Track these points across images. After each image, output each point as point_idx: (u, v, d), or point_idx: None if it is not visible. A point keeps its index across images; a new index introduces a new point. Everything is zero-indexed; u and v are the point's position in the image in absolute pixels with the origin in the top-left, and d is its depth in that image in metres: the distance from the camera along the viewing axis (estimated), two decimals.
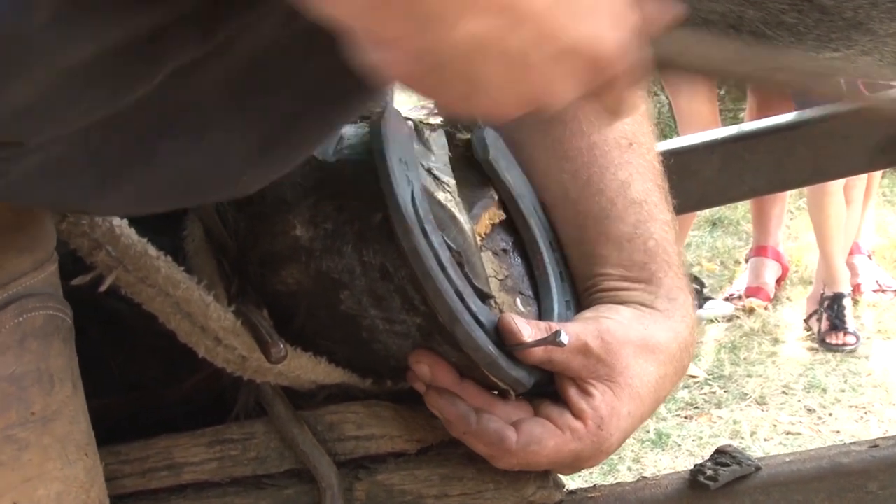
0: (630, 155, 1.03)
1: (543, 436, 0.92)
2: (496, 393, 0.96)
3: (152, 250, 0.88)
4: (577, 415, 0.93)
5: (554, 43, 0.56)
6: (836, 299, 4.57)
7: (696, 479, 0.96)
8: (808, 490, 0.97)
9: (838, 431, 3.67)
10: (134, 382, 0.97)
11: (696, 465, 0.98)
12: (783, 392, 3.94)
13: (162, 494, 0.96)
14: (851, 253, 4.95)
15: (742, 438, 3.57)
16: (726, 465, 0.96)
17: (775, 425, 3.70)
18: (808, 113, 1.93)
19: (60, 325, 0.79)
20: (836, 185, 4.49)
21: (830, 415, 3.79)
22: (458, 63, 0.55)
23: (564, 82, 0.58)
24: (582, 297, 1.01)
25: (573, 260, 1.02)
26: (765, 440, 3.58)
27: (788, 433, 3.66)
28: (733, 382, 3.98)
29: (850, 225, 4.86)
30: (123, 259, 0.88)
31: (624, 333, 0.94)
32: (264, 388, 0.96)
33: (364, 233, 0.90)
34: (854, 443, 1.04)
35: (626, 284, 0.99)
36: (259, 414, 0.97)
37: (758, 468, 0.97)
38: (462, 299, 0.89)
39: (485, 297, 0.93)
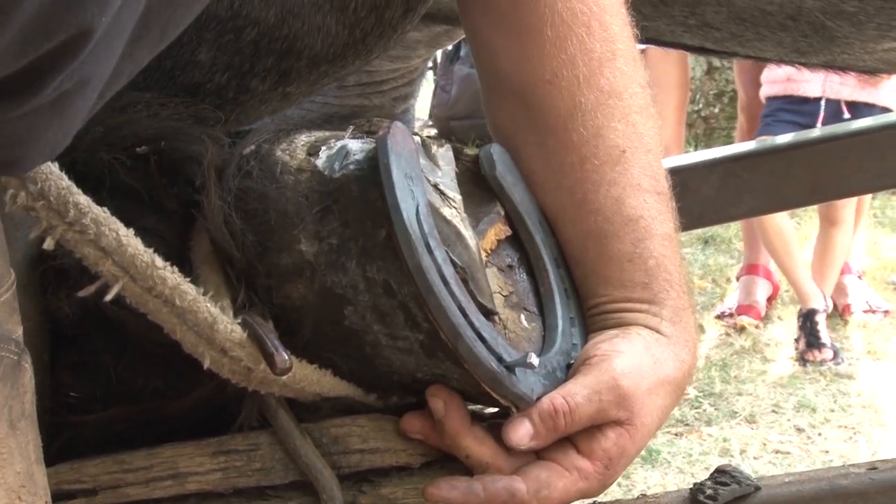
0: (622, 166, 1.01)
1: (551, 479, 0.93)
2: (498, 410, 0.96)
3: (159, 261, 0.88)
4: (586, 454, 0.94)
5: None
6: (809, 316, 4.60)
7: (696, 498, 0.96)
8: None
9: (827, 451, 3.68)
10: (136, 393, 0.97)
11: (695, 484, 0.99)
12: (773, 411, 3.95)
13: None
14: (842, 273, 4.97)
15: (732, 456, 3.58)
16: (726, 484, 0.96)
17: (765, 444, 3.70)
18: (808, 134, 1.95)
19: None
20: None
21: (820, 434, 3.80)
22: None
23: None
24: (586, 316, 1.02)
25: (577, 278, 1.03)
26: (754, 458, 3.59)
27: (778, 452, 3.67)
28: (723, 400, 3.99)
29: (841, 245, 4.89)
30: (129, 269, 0.88)
31: (638, 375, 0.94)
32: (268, 400, 0.96)
33: (368, 249, 0.90)
34: (852, 465, 1.05)
35: (629, 305, 1.00)
36: (263, 425, 0.96)
37: (757, 488, 0.97)
38: (465, 316, 0.89)
39: (489, 313, 0.93)
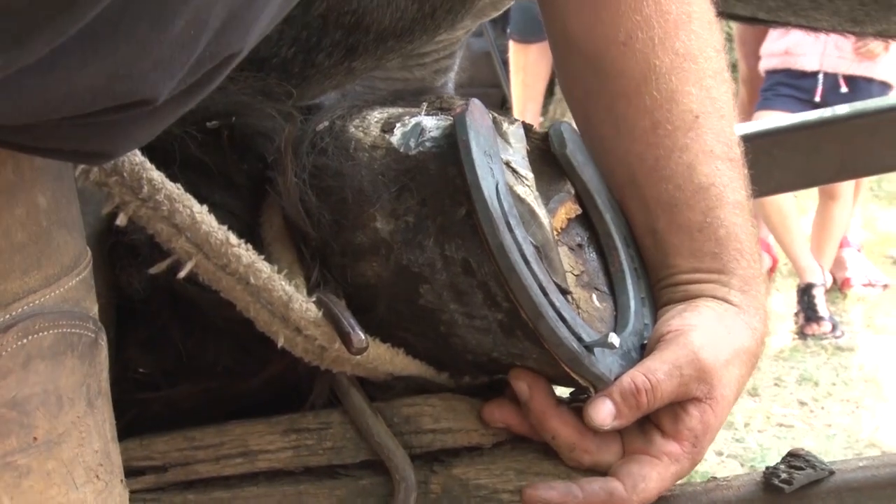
0: (695, 132, 1.00)
1: (644, 471, 0.93)
2: (575, 391, 0.96)
3: (233, 238, 0.87)
4: (672, 436, 0.93)
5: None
6: (807, 290, 4.62)
7: (770, 482, 0.96)
8: (882, 496, 0.97)
9: (830, 425, 3.70)
10: (205, 370, 0.96)
11: (768, 468, 0.98)
12: (775, 384, 3.97)
13: (234, 481, 0.95)
14: (841, 247, 4.99)
15: (736, 429, 3.59)
16: (800, 468, 0.96)
17: (768, 417, 3.72)
18: (838, 110, 1.94)
19: (76, 341, 0.74)
20: None
21: (822, 408, 3.81)
22: None
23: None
24: (654, 289, 1.01)
25: (645, 248, 1.02)
26: (759, 431, 3.60)
27: (781, 425, 3.68)
28: None
29: (840, 219, 4.90)
30: (203, 246, 0.87)
31: (715, 347, 0.94)
32: (340, 379, 0.95)
33: (447, 227, 0.89)
34: None
35: (697, 276, 0.99)
36: (334, 404, 0.96)
37: (831, 472, 0.97)
38: (546, 295, 0.88)
39: (563, 292, 0.93)
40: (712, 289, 0.98)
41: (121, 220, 0.86)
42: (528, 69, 5.59)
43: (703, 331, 0.94)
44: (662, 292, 1.01)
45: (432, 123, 0.93)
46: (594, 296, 0.98)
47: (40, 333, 0.71)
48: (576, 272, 0.98)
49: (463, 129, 0.89)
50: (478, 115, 0.91)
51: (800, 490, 0.96)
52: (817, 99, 4.80)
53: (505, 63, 5.61)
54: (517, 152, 0.96)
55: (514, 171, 0.94)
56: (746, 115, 4.79)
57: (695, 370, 0.92)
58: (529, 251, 0.88)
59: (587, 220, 1.02)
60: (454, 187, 0.89)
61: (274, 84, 1.00)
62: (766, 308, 1.00)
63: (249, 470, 0.95)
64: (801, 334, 4.48)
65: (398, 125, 0.94)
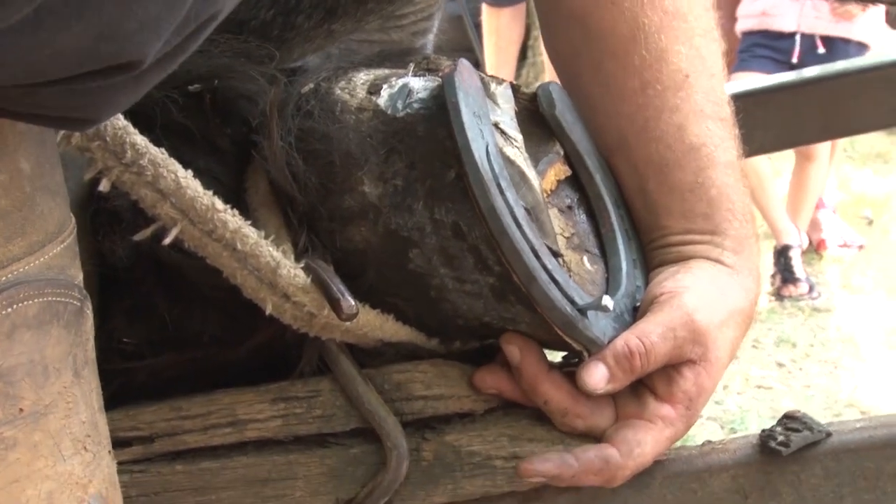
0: (686, 92, 0.98)
1: (638, 436, 0.92)
2: (567, 355, 0.95)
3: (219, 203, 0.86)
4: (666, 399, 0.92)
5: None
6: (783, 252, 4.64)
7: (766, 445, 0.95)
8: (880, 457, 0.96)
9: (809, 386, 3.71)
10: (192, 339, 0.95)
11: (764, 431, 0.97)
12: (753, 346, 3.98)
13: (222, 451, 0.94)
14: (816, 208, 5.00)
15: (715, 392, 3.59)
16: (797, 430, 0.95)
17: (747, 379, 3.73)
18: (820, 70, 1.93)
19: (62, 310, 0.73)
20: None
21: (801, 369, 3.83)
22: None
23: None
24: (646, 250, 1.00)
25: (636, 210, 1.00)
26: (738, 394, 3.61)
27: (760, 387, 3.70)
28: None
29: (816, 180, 4.91)
30: (188, 212, 0.85)
31: (709, 308, 0.93)
32: (329, 346, 0.93)
33: (436, 190, 0.88)
34: None
35: (689, 238, 0.98)
36: (323, 371, 0.94)
37: (828, 434, 0.96)
38: (538, 258, 0.87)
39: (555, 255, 0.91)
40: (705, 250, 0.97)
41: (104, 186, 0.85)
42: (500, 33, 5.56)
43: (696, 292, 0.93)
44: (654, 254, 0.99)
45: (420, 84, 0.91)
46: (585, 258, 0.97)
47: (25, 302, 0.70)
48: (566, 235, 0.96)
49: (452, 90, 0.87)
50: (466, 75, 0.89)
51: (797, 452, 0.96)
52: (794, 60, 4.80)
53: (477, 27, 5.58)
54: (506, 113, 0.95)
55: (503, 132, 0.92)
56: None
57: (689, 332, 0.91)
58: (521, 214, 0.87)
59: (577, 181, 1.00)
60: (443, 149, 0.87)
61: (256, 46, 0.98)
62: (759, 269, 0.99)
63: (238, 439, 0.93)
64: (778, 296, 4.49)
65: (385, 87, 0.92)
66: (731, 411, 3.48)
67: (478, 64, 5.41)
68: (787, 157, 5.05)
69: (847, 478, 0.97)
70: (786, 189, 4.98)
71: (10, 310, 0.69)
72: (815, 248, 4.93)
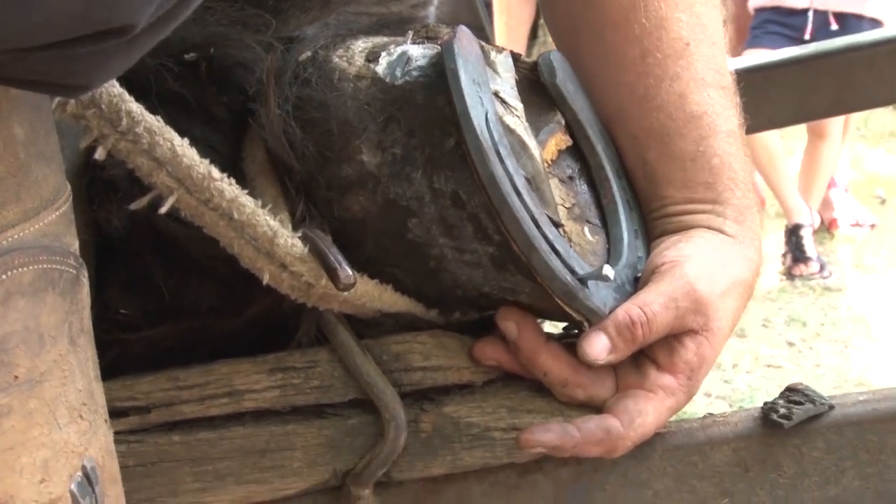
0: (686, 60, 0.98)
1: (640, 406, 0.91)
2: (567, 326, 0.94)
3: (216, 172, 0.85)
4: (667, 369, 0.92)
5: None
6: (795, 231, 4.62)
7: (768, 417, 0.94)
8: (883, 430, 0.95)
9: (819, 365, 3.70)
10: (189, 309, 0.94)
11: (766, 403, 0.96)
12: (763, 325, 3.97)
13: (220, 422, 0.93)
14: (828, 187, 4.98)
15: (724, 370, 3.59)
16: (799, 403, 0.94)
17: (757, 358, 3.72)
18: (830, 44, 1.91)
19: (57, 278, 0.72)
20: None
21: (811, 348, 3.82)
22: None
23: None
24: (647, 220, 0.99)
25: (637, 180, 1.00)
26: (747, 372, 3.61)
27: (770, 366, 3.69)
28: None
29: (828, 159, 4.89)
30: (185, 181, 0.84)
31: (710, 278, 0.92)
32: (327, 316, 0.93)
33: (435, 158, 0.87)
34: None
35: (691, 207, 0.97)
36: (321, 342, 0.94)
37: (831, 407, 0.95)
38: (538, 227, 0.86)
39: (556, 225, 0.90)
40: (706, 219, 0.96)
41: (99, 154, 0.83)
42: (511, 12, 5.54)
43: (698, 262, 0.92)
44: (655, 224, 0.98)
45: (419, 52, 0.90)
46: (586, 228, 0.96)
47: (20, 269, 0.69)
48: (567, 205, 0.95)
49: (451, 57, 0.86)
50: (466, 42, 0.88)
51: (799, 425, 0.95)
52: (807, 37, 4.77)
53: (487, 6, 5.56)
54: (506, 82, 0.93)
55: (503, 101, 0.91)
56: (735, 53, 4.75)
57: (690, 302, 0.90)
58: (521, 183, 0.86)
59: (578, 151, 0.99)
60: (442, 117, 0.86)
61: (252, 15, 0.97)
62: (760, 238, 0.98)
63: (235, 410, 0.93)
64: (789, 275, 4.48)
65: (383, 54, 0.91)
66: (740, 390, 3.47)
67: (488, 42, 5.41)
68: (799, 135, 5.03)
69: (849, 451, 0.96)
70: (798, 168, 4.95)
71: (4, 276, 0.68)
72: (826, 227, 4.91)
